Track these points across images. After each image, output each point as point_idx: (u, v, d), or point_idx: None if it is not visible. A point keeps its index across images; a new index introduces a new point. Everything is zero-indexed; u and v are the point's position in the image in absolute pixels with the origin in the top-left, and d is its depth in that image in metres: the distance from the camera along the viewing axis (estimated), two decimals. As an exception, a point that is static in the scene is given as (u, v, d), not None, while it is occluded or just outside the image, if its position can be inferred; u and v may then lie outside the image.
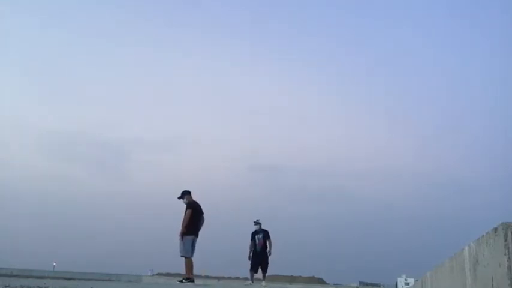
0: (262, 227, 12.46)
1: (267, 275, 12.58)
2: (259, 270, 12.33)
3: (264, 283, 12.20)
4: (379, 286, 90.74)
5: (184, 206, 9.26)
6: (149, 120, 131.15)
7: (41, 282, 4.39)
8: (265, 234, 12.22)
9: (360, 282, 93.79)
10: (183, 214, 9.11)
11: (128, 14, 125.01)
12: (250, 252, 12.13)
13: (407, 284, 58.76)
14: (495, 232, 1.64)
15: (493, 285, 1.72)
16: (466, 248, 2.33)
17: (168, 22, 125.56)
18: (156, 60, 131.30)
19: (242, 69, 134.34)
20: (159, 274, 65.37)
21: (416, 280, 17.01)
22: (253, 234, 12.24)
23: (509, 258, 1.50)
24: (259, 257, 12.09)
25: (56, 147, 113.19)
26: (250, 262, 12.09)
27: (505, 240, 1.52)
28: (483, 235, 1.86)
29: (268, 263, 12.20)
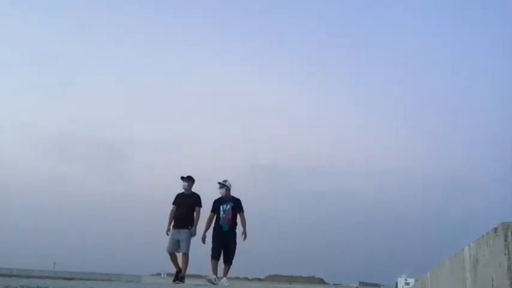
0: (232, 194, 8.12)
1: (231, 268, 7.92)
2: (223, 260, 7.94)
3: (225, 280, 7.78)
4: (379, 286, 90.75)
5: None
6: (149, 120, 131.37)
7: (41, 282, 4.39)
8: (236, 205, 7.92)
9: (360, 282, 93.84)
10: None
11: (129, 14, 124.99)
12: (205, 231, 7.88)
13: (407, 284, 58.74)
14: (495, 232, 1.64)
15: (493, 285, 1.71)
16: (466, 248, 2.32)
17: (169, 22, 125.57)
18: (156, 60, 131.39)
19: (243, 69, 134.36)
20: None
21: (416, 280, 17.01)
22: (217, 202, 7.99)
23: (509, 258, 1.50)
24: (223, 238, 7.78)
25: (56, 148, 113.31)
26: (211, 247, 7.85)
27: (505, 240, 1.52)
28: (483, 235, 1.86)
29: (235, 249, 7.86)
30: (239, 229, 7.93)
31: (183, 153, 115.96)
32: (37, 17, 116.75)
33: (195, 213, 7.95)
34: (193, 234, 7.89)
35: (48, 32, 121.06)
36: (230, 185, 8.10)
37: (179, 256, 7.87)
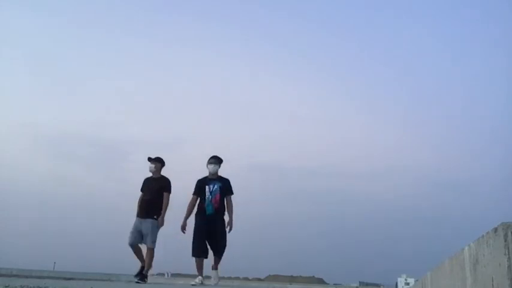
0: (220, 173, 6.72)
1: (221, 260, 6.48)
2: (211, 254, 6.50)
3: (214, 277, 6.48)
4: (379, 286, 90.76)
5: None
6: (149, 120, 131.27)
7: (41, 282, 4.39)
8: (225, 185, 6.59)
9: (360, 282, 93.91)
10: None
11: (129, 15, 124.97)
12: (186, 218, 6.55)
13: (407, 284, 58.80)
14: (495, 232, 1.64)
15: (493, 285, 1.71)
16: (466, 248, 2.32)
17: (170, 23, 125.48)
18: (156, 60, 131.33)
19: (242, 69, 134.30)
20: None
21: (416, 280, 17.00)
22: (202, 182, 6.62)
23: (509, 258, 1.49)
24: (208, 226, 6.35)
25: (56, 148, 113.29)
26: (192, 240, 6.41)
27: (505, 240, 1.52)
28: (483, 235, 1.86)
29: (226, 238, 6.40)
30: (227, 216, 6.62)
31: (183, 153, 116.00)
32: (38, 17, 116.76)
33: (163, 200, 6.86)
34: (159, 224, 6.76)
35: (48, 32, 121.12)
36: (221, 161, 6.76)
37: (144, 248, 6.81)
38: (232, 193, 6.67)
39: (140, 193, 7.10)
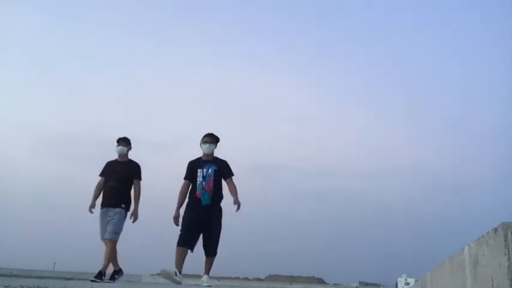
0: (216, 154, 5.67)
1: (213, 261, 5.34)
2: (201, 249, 5.40)
3: (205, 278, 5.24)
4: (379, 286, 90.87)
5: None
6: (149, 120, 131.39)
7: (41, 282, 4.38)
8: (222, 168, 5.56)
9: (360, 282, 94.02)
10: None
11: (131, 15, 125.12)
12: (178, 208, 5.50)
13: (407, 284, 58.89)
14: (495, 232, 1.64)
15: (493, 285, 1.71)
16: (466, 248, 2.32)
17: (170, 23, 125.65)
18: (156, 61, 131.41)
19: (242, 69, 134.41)
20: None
21: (416, 280, 17.02)
22: (194, 165, 5.59)
23: (509, 258, 1.49)
24: (200, 217, 5.32)
25: (56, 148, 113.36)
26: (180, 227, 5.36)
27: (505, 240, 1.51)
28: (483, 235, 1.86)
29: (219, 233, 5.39)
30: (225, 204, 5.55)
31: (183, 153, 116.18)
32: (40, 17, 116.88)
33: (132, 188, 5.86)
34: (135, 217, 5.79)
35: (49, 33, 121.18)
36: (218, 139, 5.72)
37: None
38: (232, 174, 5.61)
39: (99, 178, 6.09)
